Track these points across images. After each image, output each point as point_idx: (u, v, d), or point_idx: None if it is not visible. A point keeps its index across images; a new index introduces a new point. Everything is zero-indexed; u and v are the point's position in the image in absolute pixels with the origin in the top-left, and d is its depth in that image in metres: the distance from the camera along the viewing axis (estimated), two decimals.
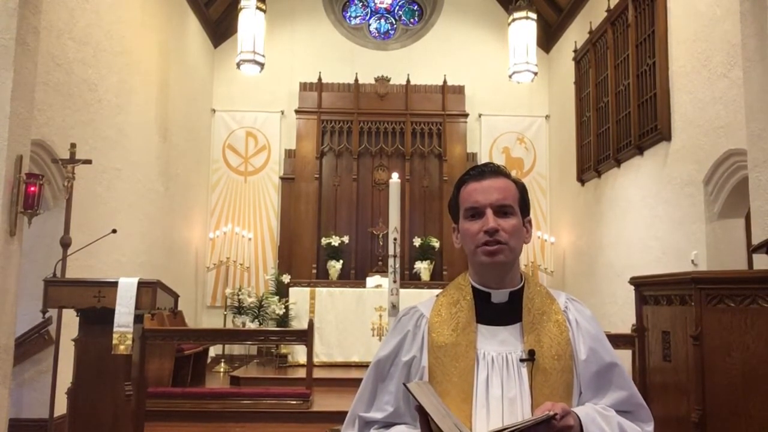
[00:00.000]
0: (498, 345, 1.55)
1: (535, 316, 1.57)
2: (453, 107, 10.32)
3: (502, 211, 1.54)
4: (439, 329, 1.58)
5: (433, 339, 1.57)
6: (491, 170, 1.60)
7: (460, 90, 10.38)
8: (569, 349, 1.55)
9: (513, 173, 1.66)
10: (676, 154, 6.30)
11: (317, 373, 6.70)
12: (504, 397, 1.49)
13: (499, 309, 1.58)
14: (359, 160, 10.24)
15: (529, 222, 1.63)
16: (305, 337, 5.94)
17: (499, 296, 1.58)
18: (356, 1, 11.26)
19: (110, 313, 4.04)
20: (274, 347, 8.56)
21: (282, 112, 10.47)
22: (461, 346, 1.54)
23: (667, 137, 6.43)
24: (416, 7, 11.27)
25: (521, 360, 1.52)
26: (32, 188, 4.04)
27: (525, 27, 8.64)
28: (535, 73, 8.80)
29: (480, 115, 10.51)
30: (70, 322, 4.59)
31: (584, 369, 1.55)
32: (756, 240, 3.79)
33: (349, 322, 8.40)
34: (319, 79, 10.29)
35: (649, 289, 3.86)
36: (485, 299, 1.59)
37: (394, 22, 11.25)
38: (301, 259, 9.89)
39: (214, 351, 9.03)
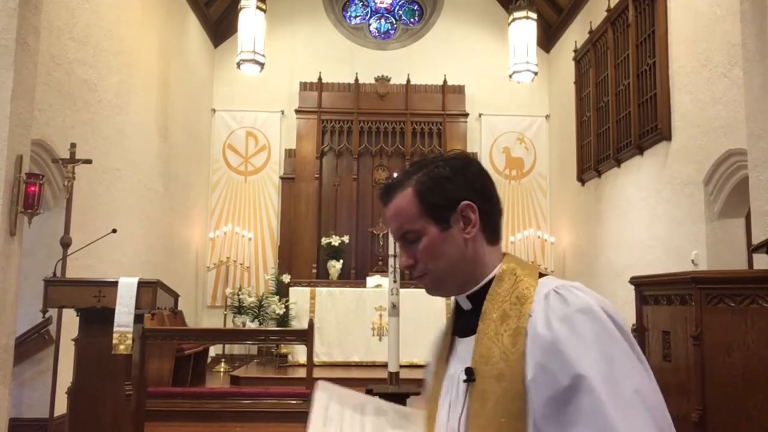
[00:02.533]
0: (458, 360, 1.26)
1: (493, 321, 1.19)
2: (453, 107, 10.32)
3: (406, 239, 1.26)
4: (438, 342, 1.40)
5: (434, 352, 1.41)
6: (383, 192, 1.30)
7: (460, 90, 10.38)
8: (519, 367, 1.12)
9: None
10: (676, 154, 6.30)
11: (317, 373, 6.67)
12: (448, 427, 1.21)
13: (467, 316, 1.28)
14: (359, 159, 10.24)
15: (462, 212, 1.23)
16: (305, 336, 5.93)
17: (464, 302, 1.30)
18: (356, 1, 11.26)
19: (110, 312, 4.04)
20: (274, 347, 8.56)
21: (282, 112, 10.47)
22: (437, 360, 1.34)
23: (667, 137, 6.43)
24: (416, 7, 11.27)
25: (464, 380, 1.19)
26: (32, 188, 4.04)
27: (525, 27, 8.65)
28: (536, 73, 8.81)
29: (480, 115, 10.50)
30: (70, 322, 4.59)
31: (534, 394, 1.09)
32: (756, 240, 3.79)
33: (349, 321, 8.40)
34: (319, 78, 10.29)
35: (649, 289, 3.86)
36: (459, 307, 1.34)
37: (394, 22, 11.25)
38: (301, 258, 9.90)
39: (214, 351, 9.04)
